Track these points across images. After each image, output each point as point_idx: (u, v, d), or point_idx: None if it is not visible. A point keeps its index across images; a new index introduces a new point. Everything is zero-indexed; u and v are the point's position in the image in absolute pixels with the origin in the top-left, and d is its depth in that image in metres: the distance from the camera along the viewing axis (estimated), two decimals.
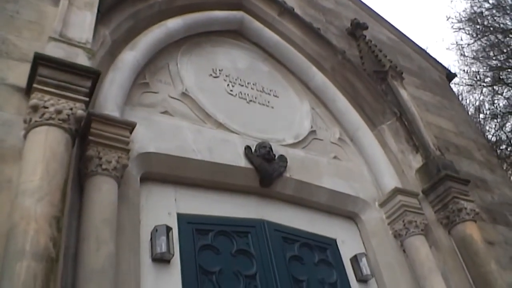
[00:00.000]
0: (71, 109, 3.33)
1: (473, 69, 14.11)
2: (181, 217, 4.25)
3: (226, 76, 5.51)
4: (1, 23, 3.88)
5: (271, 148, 4.91)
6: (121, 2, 4.71)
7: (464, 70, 14.35)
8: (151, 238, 3.92)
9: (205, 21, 5.64)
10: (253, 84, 5.66)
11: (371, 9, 8.20)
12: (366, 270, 4.86)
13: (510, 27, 12.27)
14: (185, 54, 5.36)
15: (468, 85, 14.24)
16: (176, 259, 3.96)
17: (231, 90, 5.40)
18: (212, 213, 4.46)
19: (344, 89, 6.10)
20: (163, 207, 4.22)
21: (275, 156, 4.93)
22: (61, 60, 3.48)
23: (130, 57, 4.54)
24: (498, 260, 5.51)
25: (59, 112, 3.27)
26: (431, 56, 8.44)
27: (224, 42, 5.90)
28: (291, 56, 6.14)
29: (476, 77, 13.87)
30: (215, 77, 5.42)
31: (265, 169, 4.77)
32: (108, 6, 4.52)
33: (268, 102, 5.61)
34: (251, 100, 5.47)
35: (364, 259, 4.93)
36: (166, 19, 5.19)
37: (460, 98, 13.98)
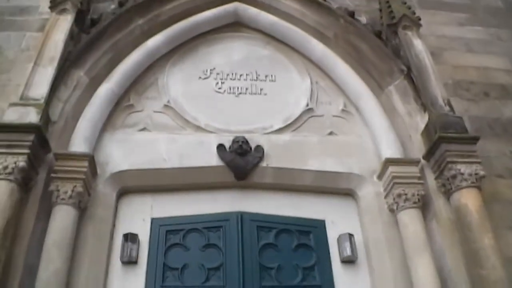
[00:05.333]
0: (15, 163, 4.54)
1: None
2: (154, 221, 5.20)
3: (217, 74, 6.07)
4: None
5: (244, 141, 5.37)
6: (98, 38, 5.66)
7: None
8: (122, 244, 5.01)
9: (193, 27, 6.21)
10: (246, 74, 6.09)
11: None
12: (348, 250, 5.07)
13: None
14: (175, 64, 6.10)
15: None
16: (144, 260, 4.96)
17: (220, 88, 5.96)
18: (187, 213, 5.26)
19: (348, 54, 6.00)
20: (139, 215, 5.23)
21: (251, 149, 5.42)
22: (9, 124, 4.69)
23: (103, 89, 5.49)
24: None
25: (5, 167, 4.51)
26: None
27: (222, 38, 6.40)
28: (290, 33, 6.28)
29: None
30: (204, 78, 6.04)
31: (237, 164, 5.32)
32: (82, 48, 5.56)
33: (261, 89, 5.99)
34: (240, 93, 5.95)
35: (348, 239, 5.12)
36: (148, 39, 5.98)
37: None
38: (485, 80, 6.00)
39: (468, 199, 4.76)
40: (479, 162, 4.93)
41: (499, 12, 6.97)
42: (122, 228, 5.09)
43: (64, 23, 5.61)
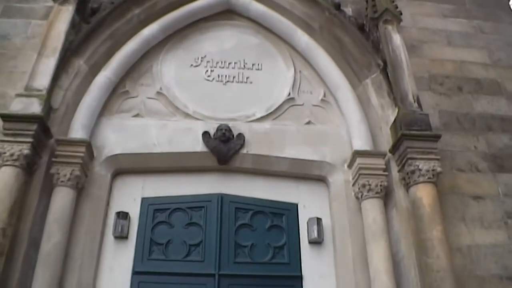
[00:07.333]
0: (20, 150, 5.32)
1: None
2: (144, 201, 5.98)
3: (208, 62, 6.66)
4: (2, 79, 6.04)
5: (227, 129, 6.03)
6: (97, 28, 6.26)
7: None
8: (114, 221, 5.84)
9: (187, 15, 6.76)
10: (234, 63, 6.67)
11: None
12: (315, 233, 5.79)
13: None
14: (170, 51, 6.70)
15: None
16: (133, 235, 5.78)
17: (209, 76, 6.57)
18: (173, 193, 6.02)
19: (332, 46, 6.50)
20: (131, 194, 6.00)
21: (233, 136, 6.09)
22: (15, 114, 5.44)
23: (101, 78, 6.15)
24: (481, 218, 5.59)
25: (12, 154, 5.30)
26: None
27: (214, 25, 6.94)
28: (278, 22, 6.78)
29: None
30: (195, 66, 6.64)
31: (219, 150, 6.00)
32: (83, 37, 6.18)
33: (247, 78, 6.58)
34: (228, 81, 6.56)
35: (316, 223, 5.82)
36: (144, 27, 6.57)
37: None
38: (460, 74, 6.40)
39: (423, 193, 5.36)
40: (437, 159, 5.48)
41: (487, 3, 7.22)
42: (115, 206, 5.88)
43: (66, 14, 6.23)
